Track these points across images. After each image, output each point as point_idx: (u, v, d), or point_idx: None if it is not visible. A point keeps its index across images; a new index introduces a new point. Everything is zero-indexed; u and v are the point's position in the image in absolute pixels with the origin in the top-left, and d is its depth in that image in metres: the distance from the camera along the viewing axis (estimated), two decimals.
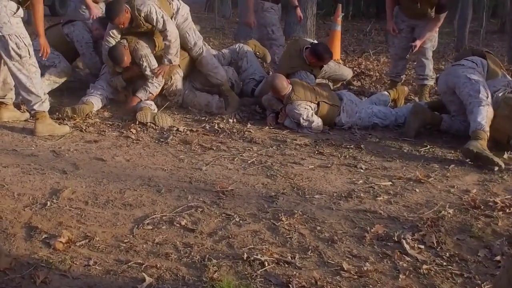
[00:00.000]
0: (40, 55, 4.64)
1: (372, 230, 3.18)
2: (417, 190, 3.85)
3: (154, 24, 5.21)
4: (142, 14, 5.16)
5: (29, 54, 4.47)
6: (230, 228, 3.13)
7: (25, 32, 4.49)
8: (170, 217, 3.23)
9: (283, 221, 3.23)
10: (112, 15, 5.16)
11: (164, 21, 5.20)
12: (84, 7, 6.19)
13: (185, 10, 5.61)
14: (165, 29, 5.21)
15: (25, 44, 4.44)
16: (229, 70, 5.85)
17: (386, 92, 5.92)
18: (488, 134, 4.49)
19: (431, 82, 6.36)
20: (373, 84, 7.22)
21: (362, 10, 19.62)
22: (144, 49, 5.27)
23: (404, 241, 3.06)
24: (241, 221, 3.22)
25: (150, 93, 5.34)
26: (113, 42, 5.27)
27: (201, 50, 5.69)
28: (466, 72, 4.84)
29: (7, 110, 4.97)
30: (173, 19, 5.45)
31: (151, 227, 3.10)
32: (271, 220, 3.26)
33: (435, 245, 3.06)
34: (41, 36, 4.60)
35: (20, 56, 4.43)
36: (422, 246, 3.03)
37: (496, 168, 4.26)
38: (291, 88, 5.12)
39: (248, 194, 3.64)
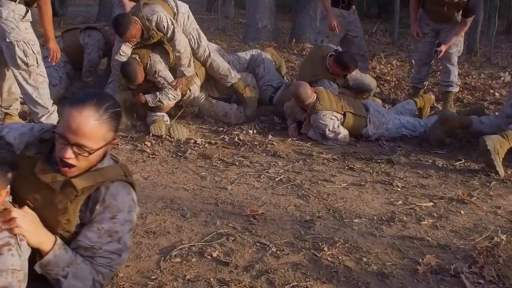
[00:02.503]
0: (49, 59, 4.32)
1: (423, 261, 2.86)
2: (461, 212, 3.53)
3: (165, 32, 4.87)
4: (154, 23, 4.82)
5: (37, 62, 4.15)
6: (267, 260, 2.80)
7: (35, 38, 4.17)
8: (200, 247, 2.90)
9: (324, 251, 2.91)
10: (122, 30, 4.75)
11: (173, 29, 4.87)
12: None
13: (184, 7, 5.24)
14: (173, 38, 4.86)
15: (33, 52, 4.12)
16: (248, 77, 5.51)
17: (412, 100, 5.60)
18: None
19: (456, 89, 6.05)
20: (393, 90, 6.90)
21: (364, 10, 19.31)
22: (157, 64, 4.92)
23: (463, 275, 2.74)
24: (278, 252, 2.89)
25: (160, 102, 4.95)
26: (124, 59, 4.91)
27: (207, 52, 5.30)
28: None
29: (12, 121, 4.63)
30: (175, 19, 5.09)
31: (180, 260, 2.77)
32: (311, 250, 2.93)
33: (496, 279, 2.74)
34: (51, 40, 4.27)
35: (27, 64, 4.11)
36: (482, 281, 2.71)
37: (496, 176, 4.09)
38: (315, 97, 4.80)
39: (281, 218, 3.32)
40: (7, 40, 4.07)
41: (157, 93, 4.95)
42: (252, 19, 10.09)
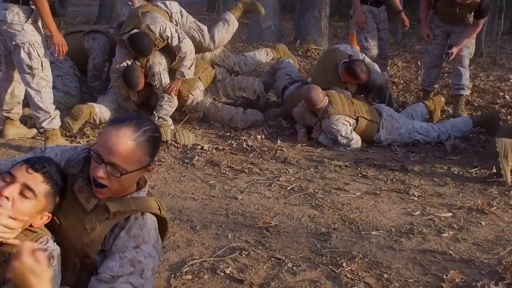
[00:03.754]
0: (55, 55, 4.12)
1: (447, 277, 2.72)
2: (482, 223, 3.38)
3: (170, 41, 4.77)
4: (157, 33, 4.73)
5: (42, 66, 4.01)
6: (283, 277, 2.65)
7: (41, 41, 4.02)
8: (212, 263, 2.75)
9: (343, 267, 2.76)
10: (147, 51, 4.71)
11: (178, 36, 4.78)
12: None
13: (175, 6, 5.08)
14: (179, 43, 4.77)
15: (38, 55, 3.98)
16: (255, 82, 5.37)
17: (422, 103, 5.45)
18: None
19: (467, 92, 5.89)
20: (401, 93, 6.74)
21: None
22: (156, 66, 4.80)
23: None
24: (294, 268, 2.74)
25: (162, 118, 4.83)
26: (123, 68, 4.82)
27: (212, 40, 5.26)
28: None
29: (12, 126, 4.48)
30: (172, 21, 4.95)
31: (191, 277, 2.62)
32: (329, 265, 2.78)
33: None
34: (54, 35, 4.04)
35: (31, 67, 3.97)
36: None
37: (499, 180, 4.00)
38: (327, 100, 4.64)
39: (295, 230, 3.17)
40: (14, 42, 3.96)
41: (154, 112, 4.84)
42: (255, 20, 9.92)
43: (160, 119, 4.78)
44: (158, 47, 4.82)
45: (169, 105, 4.83)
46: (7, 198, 1.71)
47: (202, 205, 3.46)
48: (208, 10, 16.22)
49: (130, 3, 5.52)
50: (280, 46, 6.20)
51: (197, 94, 5.04)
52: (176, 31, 4.77)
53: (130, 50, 4.74)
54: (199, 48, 5.15)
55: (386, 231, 3.22)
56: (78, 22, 12.14)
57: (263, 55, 5.94)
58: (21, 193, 1.74)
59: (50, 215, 1.84)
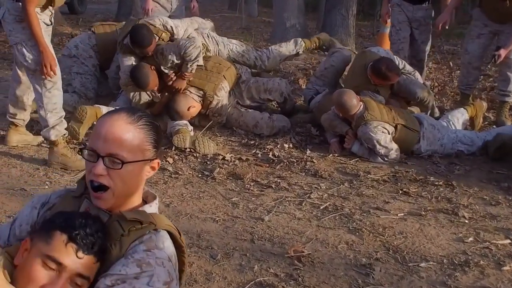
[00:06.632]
0: (42, 75, 3.58)
1: None
2: None
3: (175, 30, 4.50)
4: (158, 25, 4.47)
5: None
6: None
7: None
8: None
9: None
10: (146, 40, 4.34)
11: (178, 27, 4.56)
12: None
13: (165, 19, 4.66)
14: (182, 33, 4.57)
15: (34, 54, 3.54)
16: (282, 83, 4.90)
17: (463, 109, 4.95)
18: None
19: None
20: (437, 97, 6.24)
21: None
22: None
23: None
24: None
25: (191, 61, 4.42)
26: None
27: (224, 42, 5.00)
28: None
29: (17, 132, 4.10)
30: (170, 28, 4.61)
31: None
32: None
33: None
34: (41, 51, 3.50)
35: (29, 69, 3.59)
36: None
37: None
38: (362, 106, 4.19)
39: (331, 260, 2.73)
40: (10, 43, 3.57)
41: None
42: (280, 18, 9.50)
43: (178, 126, 4.37)
44: (164, 40, 4.46)
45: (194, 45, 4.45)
46: None
47: (224, 227, 3.03)
48: (230, 8, 15.82)
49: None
50: (318, 34, 5.59)
51: (222, 96, 4.60)
52: (181, 24, 4.58)
53: (132, 51, 4.43)
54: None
55: (437, 263, 2.77)
56: (96, 19, 11.81)
57: (291, 46, 5.33)
58: (71, 282, 1.41)
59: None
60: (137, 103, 4.52)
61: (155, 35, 4.42)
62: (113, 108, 4.38)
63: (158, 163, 1.60)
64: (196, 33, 4.71)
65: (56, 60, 3.64)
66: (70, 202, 1.62)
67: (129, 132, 1.51)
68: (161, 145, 1.63)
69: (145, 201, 1.63)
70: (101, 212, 1.54)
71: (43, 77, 3.56)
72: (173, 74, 4.46)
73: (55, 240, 1.41)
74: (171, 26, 4.49)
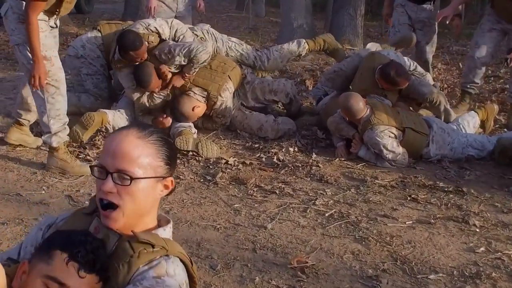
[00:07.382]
0: (31, 84, 3.47)
1: None
2: None
3: (161, 30, 4.39)
4: (142, 30, 4.32)
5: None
6: None
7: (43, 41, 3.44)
8: None
9: None
10: (136, 43, 4.19)
11: (167, 23, 4.49)
12: None
13: (159, 22, 4.51)
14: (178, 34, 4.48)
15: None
16: (288, 84, 4.78)
17: (474, 112, 4.82)
18: None
19: None
20: (447, 99, 6.10)
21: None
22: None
23: None
24: None
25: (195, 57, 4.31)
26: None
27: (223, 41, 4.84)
28: None
29: (18, 131, 4.00)
30: (167, 35, 4.51)
31: None
32: None
33: None
34: (35, 61, 3.37)
35: (30, 72, 3.46)
36: None
37: None
38: (369, 109, 4.07)
39: (336, 272, 2.62)
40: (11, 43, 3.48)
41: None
42: (287, 18, 9.39)
43: (182, 127, 4.28)
44: (153, 42, 4.34)
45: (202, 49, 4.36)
46: None
47: (225, 236, 2.93)
48: (237, 8, 15.73)
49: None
50: (323, 36, 5.28)
51: (227, 97, 4.49)
52: (164, 22, 4.48)
53: (125, 62, 4.34)
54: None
55: (447, 274, 2.66)
56: (103, 19, 11.75)
57: (293, 47, 5.07)
58: None
59: None
60: (141, 114, 4.48)
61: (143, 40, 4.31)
62: (117, 110, 4.37)
63: (172, 181, 1.50)
64: (191, 32, 4.58)
65: (59, 69, 3.56)
66: (81, 218, 1.55)
67: (138, 147, 1.44)
68: (175, 163, 1.54)
69: (159, 225, 1.54)
70: (111, 232, 1.45)
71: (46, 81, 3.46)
72: (170, 73, 4.37)
73: (55, 260, 1.35)
74: (155, 27, 4.36)
